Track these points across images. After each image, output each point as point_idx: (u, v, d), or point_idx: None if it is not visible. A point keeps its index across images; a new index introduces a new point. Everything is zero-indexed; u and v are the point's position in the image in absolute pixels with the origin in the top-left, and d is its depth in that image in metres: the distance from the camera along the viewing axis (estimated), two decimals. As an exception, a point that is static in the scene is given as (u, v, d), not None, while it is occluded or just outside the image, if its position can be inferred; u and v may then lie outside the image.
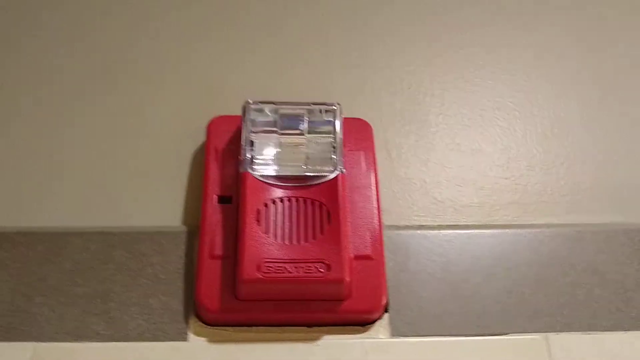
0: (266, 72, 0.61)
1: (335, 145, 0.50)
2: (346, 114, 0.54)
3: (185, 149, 0.56)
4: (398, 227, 0.53)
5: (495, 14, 0.67)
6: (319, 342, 0.47)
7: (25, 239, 0.49)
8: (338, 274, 0.45)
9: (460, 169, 0.57)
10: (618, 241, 0.53)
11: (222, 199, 0.50)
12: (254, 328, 0.47)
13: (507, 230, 0.53)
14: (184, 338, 0.46)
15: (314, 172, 0.49)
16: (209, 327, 0.47)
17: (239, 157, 0.50)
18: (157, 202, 0.53)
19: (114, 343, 0.46)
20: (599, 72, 0.63)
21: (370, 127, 0.56)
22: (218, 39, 0.63)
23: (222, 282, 0.46)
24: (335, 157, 0.49)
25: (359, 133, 0.55)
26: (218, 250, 0.47)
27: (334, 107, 0.52)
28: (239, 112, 0.52)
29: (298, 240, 0.46)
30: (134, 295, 0.48)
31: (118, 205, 0.53)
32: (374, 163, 0.54)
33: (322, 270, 0.45)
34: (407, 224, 0.53)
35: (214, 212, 0.49)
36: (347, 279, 0.45)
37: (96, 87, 0.59)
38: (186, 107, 0.58)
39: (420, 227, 0.53)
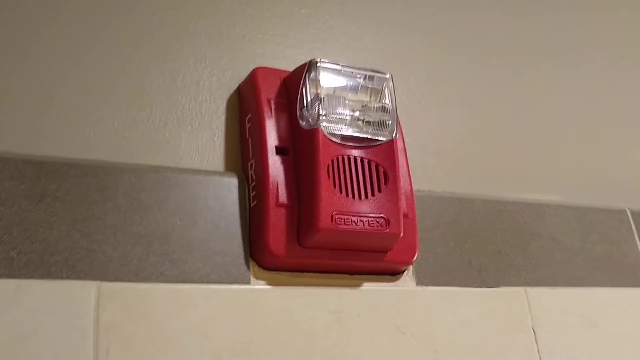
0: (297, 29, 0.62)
1: (391, 110, 0.54)
2: None
3: (218, 97, 0.55)
4: (415, 191, 0.59)
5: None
6: (362, 288, 0.52)
7: (76, 171, 0.45)
8: (396, 228, 0.50)
9: (459, 140, 0.65)
10: (567, 217, 0.66)
11: (279, 150, 0.51)
12: (308, 274, 0.50)
13: (500, 201, 0.63)
14: (247, 281, 0.48)
15: (374, 135, 0.52)
16: (268, 271, 0.49)
17: (304, 112, 0.51)
18: (198, 146, 0.52)
19: (180, 285, 0.45)
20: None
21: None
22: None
23: (287, 229, 0.49)
24: (390, 121, 0.53)
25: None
26: (283, 199, 0.49)
27: (389, 75, 0.55)
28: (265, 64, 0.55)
29: (362, 196, 0.50)
30: (194, 238, 0.47)
31: (164, 145, 0.51)
32: (400, 129, 0.59)
33: (383, 224, 0.50)
34: (421, 187, 0.60)
35: (275, 163, 0.50)
36: (402, 233, 0.51)
37: (138, 34, 0.55)
38: (216, 54, 0.57)
39: (431, 192, 0.60)
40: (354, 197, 0.50)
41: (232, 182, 0.51)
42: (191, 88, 0.54)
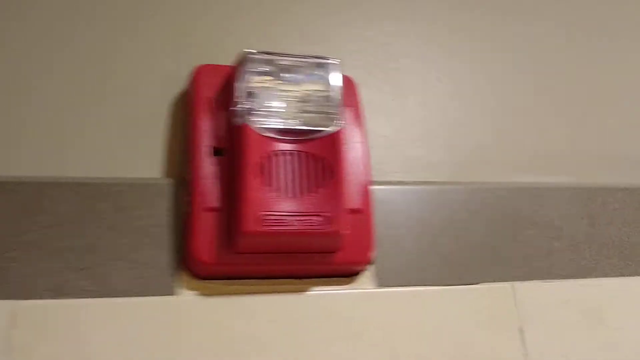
0: (241, 23, 0.59)
1: (335, 99, 0.49)
2: None
3: (161, 99, 0.53)
4: (380, 183, 0.54)
5: None
6: (309, 293, 0.48)
7: (-6, 188, 0.45)
8: (336, 226, 0.46)
9: (431, 128, 0.59)
10: (569, 199, 0.58)
11: (215, 151, 0.48)
12: (245, 280, 0.47)
13: (475, 187, 0.57)
14: (172, 292, 0.45)
15: (314, 126, 0.48)
16: (200, 280, 0.46)
17: (234, 108, 0.48)
18: (137, 153, 0.50)
19: (101, 299, 0.43)
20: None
21: (354, 84, 0.56)
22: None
23: (217, 234, 0.45)
24: (333, 111, 0.49)
25: (345, 90, 0.55)
26: (212, 203, 0.46)
27: (333, 62, 0.51)
28: (215, 62, 0.51)
29: (298, 194, 0.46)
30: (119, 249, 0.45)
31: (95, 156, 0.49)
32: (362, 119, 0.54)
33: (321, 223, 0.45)
34: (391, 179, 0.55)
35: (206, 164, 0.47)
36: (344, 231, 0.46)
37: (71, 36, 0.54)
38: (161, 55, 0.55)
39: (402, 182, 0.55)
40: (291, 195, 0.46)
41: (166, 189, 0.48)
42: (127, 91, 0.52)
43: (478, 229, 0.54)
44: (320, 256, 0.47)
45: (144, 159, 0.50)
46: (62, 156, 0.48)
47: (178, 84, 0.53)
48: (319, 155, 0.48)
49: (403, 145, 0.58)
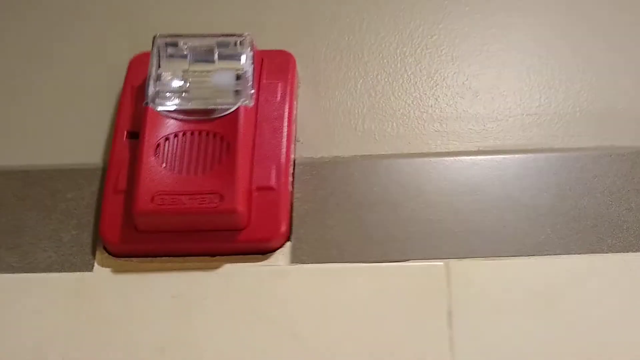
0: (191, 7, 0.61)
1: (240, 76, 0.50)
2: (275, 46, 0.55)
3: (107, 87, 0.56)
4: (313, 159, 0.53)
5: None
6: (218, 270, 0.48)
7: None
8: (230, 204, 0.46)
9: (385, 100, 0.56)
10: (535, 167, 0.51)
11: (132, 135, 0.51)
12: (157, 259, 0.49)
13: (423, 158, 0.53)
14: (89, 269, 0.48)
15: (216, 105, 0.49)
16: (115, 258, 0.49)
17: (145, 92, 0.50)
18: (74, 139, 0.54)
19: (24, 274, 0.48)
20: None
21: (292, 58, 0.55)
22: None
23: (123, 215, 0.48)
24: (239, 89, 0.49)
25: (279, 65, 0.54)
26: (122, 185, 0.49)
27: (242, 38, 0.51)
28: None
29: (194, 173, 0.47)
30: (46, 229, 0.50)
31: (35, 143, 0.54)
32: (291, 95, 0.53)
33: (215, 201, 0.46)
34: (324, 155, 0.53)
35: (122, 148, 0.50)
36: (240, 208, 0.46)
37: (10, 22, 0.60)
38: (109, 44, 0.59)
39: (335, 157, 0.53)
40: (186, 174, 0.47)
41: (93, 173, 0.52)
42: (72, 80, 0.57)
43: (415, 203, 0.50)
44: (227, 234, 0.48)
45: (79, 146, 0.54)
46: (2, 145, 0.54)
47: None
48: (220, 133, 0.48)
49: (353, 119, 0.55)
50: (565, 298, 0.46)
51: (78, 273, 0.48)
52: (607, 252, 0.48)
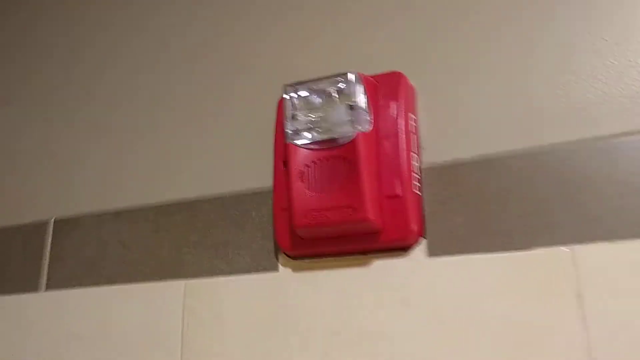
0: (323, 50, 0.70)
1: (353, 107, 0.59)
2: (388, 69, 0.63)
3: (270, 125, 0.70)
4: (437, 163, 0.60)
5: None
6: (370, 265, 0.59)
7: (168, 209, 0.71)
8: (361, 214, 0.56)
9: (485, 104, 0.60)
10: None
11: (284, 164, 0.63)
12: (322, 259, 0.61)
13: (534, 153, 0.56)
14: (276, 269, 0.63)
15: (339, 135, 0.59)
16: (292, 259, 0.63)
17: (285, 130, 0.62)
18: (253, 168, 0.69)
19: (232, 276, 0.65)
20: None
21: (403, 76, 0.62)
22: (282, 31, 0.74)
23: (290, 227, 0.61)
24: (353, 118, 0.58)
25: (391, 85, 0.62)
26: (285, 204, 0.62)
27: (350, 75, 0.59)
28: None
29: (331, 191, 0.58)
30: (242, 241, 0.66)
31: (226, 173, 0.71)
32: (406, 110, 0.61)
33: (350, 212, 0.56)
34: (446, 159, 0.60)
35: (280, 175, 0.63)
36: (370, 216, 0.56)
37: (184, 76, 0.76)
38: (260, 89, 0.72)
39: (456, 159, 0.59)
40: (325, 194, 0.58)
41: (267, 195, 0.66)
42: (241, 117, 0.71)
43: (531, 196, 0.54)
44: (369, 236, 0.58)
45: (257, 174, 0.68)
46: (207, 178, 0.71)
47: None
48: (347, 157, 0.58)
49: (463, 124, 0.60)
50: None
51: (268, 273, 0.64)
52: None
